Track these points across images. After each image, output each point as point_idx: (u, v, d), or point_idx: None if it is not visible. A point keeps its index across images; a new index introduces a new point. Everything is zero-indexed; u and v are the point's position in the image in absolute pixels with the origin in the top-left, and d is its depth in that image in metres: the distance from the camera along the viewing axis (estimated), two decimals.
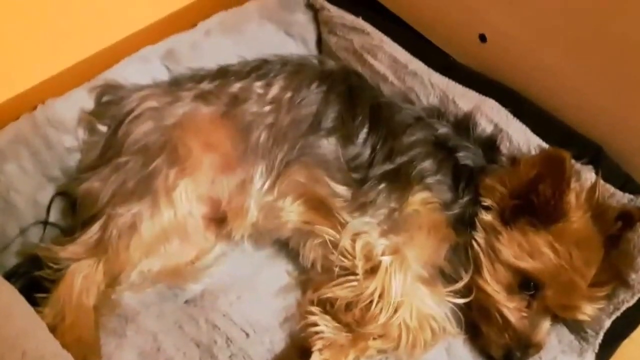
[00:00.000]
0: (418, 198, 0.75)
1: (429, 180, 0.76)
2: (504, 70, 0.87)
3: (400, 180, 0.76)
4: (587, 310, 0.72)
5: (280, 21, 0.98)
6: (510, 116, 0.83)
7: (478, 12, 0.88)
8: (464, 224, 0.75)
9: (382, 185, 0.76)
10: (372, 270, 0.71)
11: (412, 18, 0.96)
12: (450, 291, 0.74)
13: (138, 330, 0.75)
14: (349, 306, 0.72)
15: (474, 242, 0.75)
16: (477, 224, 0.75)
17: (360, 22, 0.93)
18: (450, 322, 0.75)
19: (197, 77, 0.85)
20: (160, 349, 0.74)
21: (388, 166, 0.77)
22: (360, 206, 0.75)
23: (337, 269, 0.74)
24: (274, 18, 0.98)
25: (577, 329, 0.77)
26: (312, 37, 1.01)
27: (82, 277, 0.72)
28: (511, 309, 0.73)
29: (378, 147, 0.78)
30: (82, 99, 0.86)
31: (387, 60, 0.90)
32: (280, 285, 0.80)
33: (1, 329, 0.63)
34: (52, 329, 0.66)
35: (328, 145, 0.78)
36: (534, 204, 0.72)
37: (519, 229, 0.73)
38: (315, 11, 1.00)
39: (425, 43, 0.94)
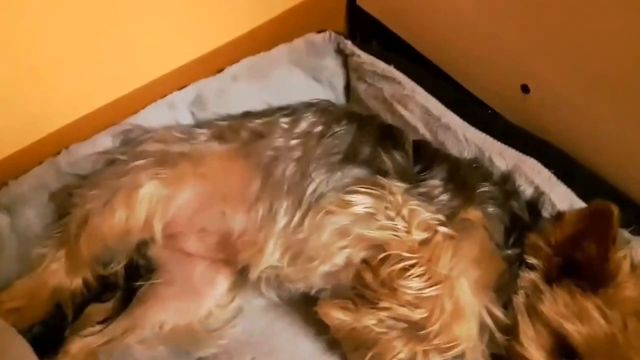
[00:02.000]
0: (477, 217, 0.68)
1: (490, 209, 0.70)
2: (548, 125, 0.82)
3: (464, 191, 0.70)
4: None
5: (309, 66, 0.95)
6: (554, 178, 0.77)
7: (520, 61, 0.82)
8: (508, 276, 0.69)
9: (448, 185, 0.70)
10: (426, 242, 0.66)
11: (450, 66, 0.91)
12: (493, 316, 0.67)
13: None
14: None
15: (515, 301, 0.68)
16: (519, 283, 0.68)
17: (391, 71, 0.89)
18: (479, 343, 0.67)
19: (218, 120, 0.83)
20: None
21: (450, 176, 0.71)
22: (421, 194, 0.69)
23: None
24: (302, 63, 0.95)
25: None
26: (340, 84, 0.98)
27: (47, 260, 0.75)
28: None
29: (434, 165, 0.72)
30: (105, 144, 0.85)
31: (418, 111, 0.85)
32: (300, 350, 0.75)
33: None
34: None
35: (373, 169, 0.72)
36: (579, 261, 0.66)
37: (565, 290, 0.66)
38: (345, 57, 0.97)
39: (463, 94, 0.89)
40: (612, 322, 0.63)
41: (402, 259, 0.65)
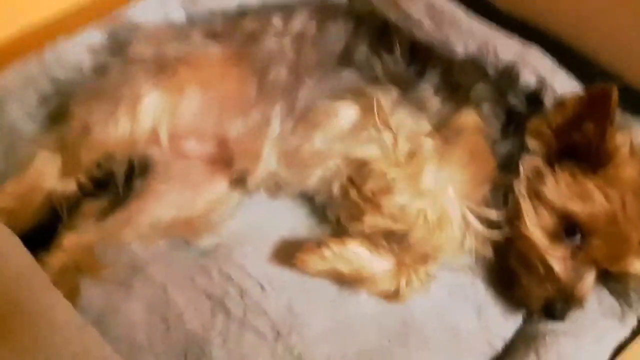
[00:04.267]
0: (471, 119, 0.70)
1: (485, 109, 0.72)
2: (549, 17, 0.83)
3: (458, 95, 0.71)
4: (636, 266, 0.68)
5: None
6: (556, 66, 0.80)
7: None
8: (507, 168, 0.71)
9: (439, 93, 0.71)
10: (411, 155, 0.67)
11: None
12: (483, 219, 0.69)
13: (146, 281, 0.73)
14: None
15: (516, 187, 0.71)
16: (521, 167, 0.71)
17: None
18: (469, 248, 0.70)
19: (212, 18, 0.82)
20: (170, 301, 0.71)
21: (444, 80, 0.72)
22: (411, 102, 0.70)
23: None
24: None
25: (619, 292, 0.74)
26: None
27: (40, 162, 0.76)
28: (555, 256, 0.69)
29: (428, 68, 0.73)
30: (94, 39, 0.84)
31: (422, 5, 0.86)
32: (301, 239, 0.76)
33: None
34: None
35: (365, 73, 0.72)
36: (579, 144, 0.69)
37: (566, 172, 0.70)
38: None
39: None
40: (612, 201, 0.67)
41: (386, 176, 0.67)
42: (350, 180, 0.70)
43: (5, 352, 0.56)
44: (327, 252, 0.68)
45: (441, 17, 0.84)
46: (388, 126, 0.67)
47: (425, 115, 0.69)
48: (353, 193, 0.69)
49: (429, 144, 0.68)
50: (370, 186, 0.68)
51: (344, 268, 0.69)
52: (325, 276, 0.71)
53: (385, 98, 0.69)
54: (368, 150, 0.68)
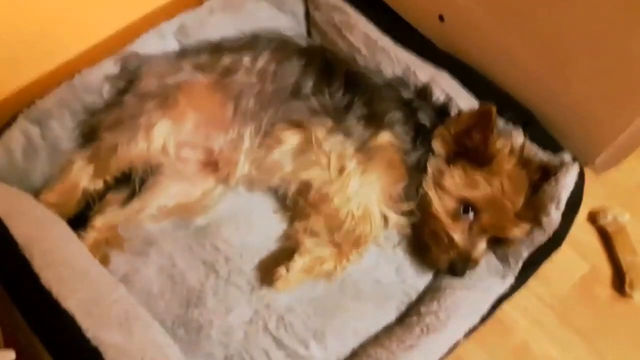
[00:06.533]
0: (385, 138, 0.96)
1: (397, 129, 0.97)
2: (459, 46, 1.09)
3: (375, 121, 0.97)
4: (514, 232, 0.95)
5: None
6: (460, 87, 1.05)
7: None
8: (417, 170, 0.99)
9: (361, 122, 0.97)
10: (340, 171, 0.95)
11: None
12: (397, 209, 0.97)
13: (157, 251, 1.01)
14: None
15: (424, 181, 0.98)
16: (428, 167, 0.98)
17: (339, 3, 1.15)
18: (385, 230, 0.99)
19: (198, 51, 1.08)
20: (175, 265, 1.00)
21: (365, 111, 0.98)
22: (341, 130, 0.96)
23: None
24: None
25: (502, 258, 1.00)
26: (300, 12, 1.24)
27: (76, 168, 1.02)
28: (455, 230, 0.96)
29: (355, 99, 0.99)
30: (109, 68, 1.10)
31: (360, 36, 1.12)
32: (270, 220, 1.06)
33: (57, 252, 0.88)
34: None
35: (309, 105, 0.98)
36: (470, 148, 0.95)
37: (460, 168, 0.96)
38: None
39: (397, 20, 1.15)
40: (494, 186, 0.94)
41: (323, 188, 0.95)
42: (299, 192, 0.99)
43: (73, 303, 0.80)
44: (293, 274, 0.92)
45: (374, 46, 1.09)
46: (322, 151, 0.95)
47: (351, 140, 0.95)
48: (301, 201, 0.99)
49: (353, 162, 0.94)
50: (312, 196, 0.96)
51: (306, 277, 0.94)
52: (297, 285, 0.95)
53: (321, 129, 0.96)
54: (309, 173, 0.96)
